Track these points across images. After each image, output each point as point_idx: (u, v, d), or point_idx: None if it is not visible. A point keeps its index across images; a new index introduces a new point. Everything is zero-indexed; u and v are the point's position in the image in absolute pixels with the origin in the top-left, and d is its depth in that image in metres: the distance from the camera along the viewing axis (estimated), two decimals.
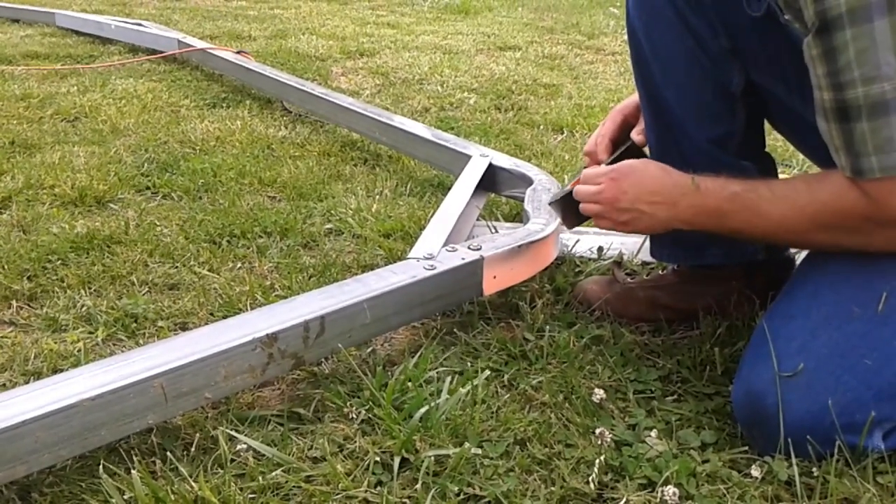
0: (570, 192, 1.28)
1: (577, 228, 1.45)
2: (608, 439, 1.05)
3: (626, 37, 1.35)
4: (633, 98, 1.37)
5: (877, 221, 0.99)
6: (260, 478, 0.98)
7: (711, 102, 1.25)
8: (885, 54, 0.89)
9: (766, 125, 1.34)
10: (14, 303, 1.43)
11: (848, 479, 0.97)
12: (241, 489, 0.96)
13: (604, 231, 1.74)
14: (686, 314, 1.38)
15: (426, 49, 4.03)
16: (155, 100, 2.82)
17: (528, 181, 1.72)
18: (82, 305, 1.41)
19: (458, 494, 0.96)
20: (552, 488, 0.98)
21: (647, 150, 1.35)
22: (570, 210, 1.30)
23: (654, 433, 1.08)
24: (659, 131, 1.31)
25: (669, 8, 1.21)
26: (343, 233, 1.76)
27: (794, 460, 0.99)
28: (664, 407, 1.15)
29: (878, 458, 0.99)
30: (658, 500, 0.95)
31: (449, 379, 1.17)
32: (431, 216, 1.54)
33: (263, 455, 1.02)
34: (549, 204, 1.42)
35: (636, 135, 1.35)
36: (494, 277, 1.34)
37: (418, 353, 1.24)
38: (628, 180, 1.18)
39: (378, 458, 1.02)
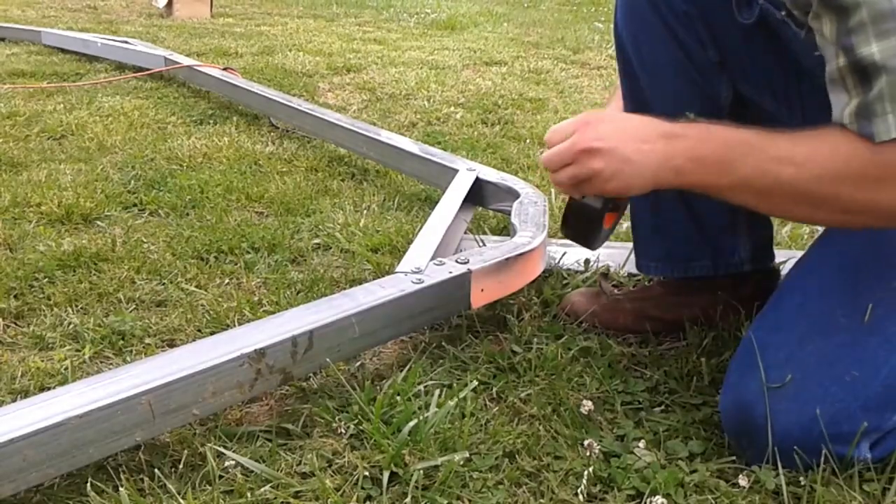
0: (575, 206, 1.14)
1: (564, 240, 1.45)
2: (596, 451, 1.05)
3: (611, 51, 1.38)
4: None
5: None
6: (248, 494, 0.97)
7: (699, 115, 1.26)
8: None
9: None
10: (1, 321, 1.42)
11: (835, 488, 0.97)
12: None
13: None
14: (673, 325, 1.39)
15: (413, 64, 4.05)
16: (142, 117, 2.82)
17: (514, 195, 1.73)
18: (69, 323, 1.40)
19: None
20: (541, 500, 0.98)
21: None
22: (585, 227, 1.17)
23: (642, 444, 1.08)
24: None
25: (658, 20, 1.23)
26: (331, 248, 1.76)
27: (781, 470, 0.99)
28: (652, 418, 1.16)
29: (864, 467, 1.00)
30: None
31: (437, 392, 1.17)
32: (419, 230, 1.55)
33: (252, 471, 1.02)
34: (564, 235, 1.24)
35: None
36: (482, 290, 1.34)
37: (407, 367, 1.24)
38: (605, 124, 1.01)
39: (367, 473, 1.02)
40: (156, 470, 1.01)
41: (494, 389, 1.22)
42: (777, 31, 1.10)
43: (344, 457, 1.05)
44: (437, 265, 1.33)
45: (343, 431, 1.10)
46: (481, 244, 1.67)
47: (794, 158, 0.92)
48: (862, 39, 0.86)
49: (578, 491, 0.99)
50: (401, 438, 1.05)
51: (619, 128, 1.01)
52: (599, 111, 1.07)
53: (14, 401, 1.15)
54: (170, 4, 5.61)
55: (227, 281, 1.59)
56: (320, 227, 1.86)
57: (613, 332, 1.40)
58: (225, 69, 3.13)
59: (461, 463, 1.03)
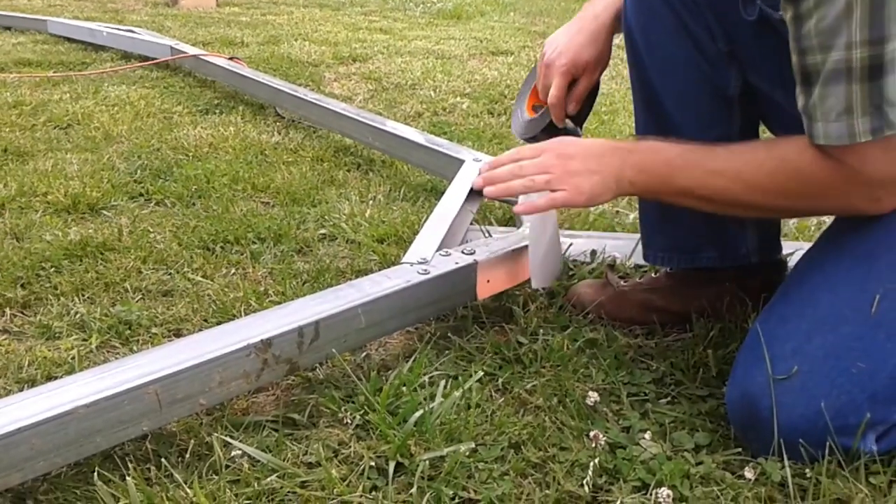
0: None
1: (570, 231, 1.45)
2: (602, 442, 1.05)
3: (617, 41, 1.36)
4: (580, 55, 1.35)
5: (835, 182, 1.00)
6: (255, 483, 0.98)
7: (709, 105, 1.26)
8: (840, 24, 0.90)
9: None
10: (7, 310, 1.42)
11: (840, 480, 0.97)
12: (235, 495, 0.96)
13: (596, 234, 1.75)
14: (679, 317, 1.38)
15: (419, 54, 4.04)
16: (148, 106, 2.82)
17: None
18: (76, 313, 1.40)
19: (453, 498, 0.96)
20: (547, 491, 0.98)
21: None
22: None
23: (647, 435, 1.08)
24: (655, 133, 1.31)
25: (667, 11, 1.22)
26: (337, 238, 1.76)
27: (787, 462, 0.99)
28: (658, 409, 1.15)
29: (870, 460, 1.00)
30: (652, 502, 0.96)
31: (443, 383, 1.17)
32: (425, 221, 1.54)
33: (258, 461, 1.02)
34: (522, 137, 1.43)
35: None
36: (488, 282, 1.34)
37: (412, 358, 1.24)
38: (572, 146, 1.17)
39: (373, 463, 1.02)
40: (162, 459, 1.02)
41: (500, 380, 1.22)
42: (778, 29, 1.10)
43: (350, 447, 1.05)
44: (443, 256, 1.33)
45: (349, 422, 1.10)
46: (487, 235, 1.67)
47: (725, 172, 1.06)
48: (810, 46, 0.94)
49: (584, 482, 0.99)
50: (406, 429, 1.05)
51: (584, 146, 1.16)
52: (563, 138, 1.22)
53: (21, 390, 1.15)
54: None
55: (233, 271, 1.59)
56: (326, 217, 1.86)
57: (619, 323, 1.40)
58: (231, 59, 3.13)
59: (467, 454, 1.03)
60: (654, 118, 1.30)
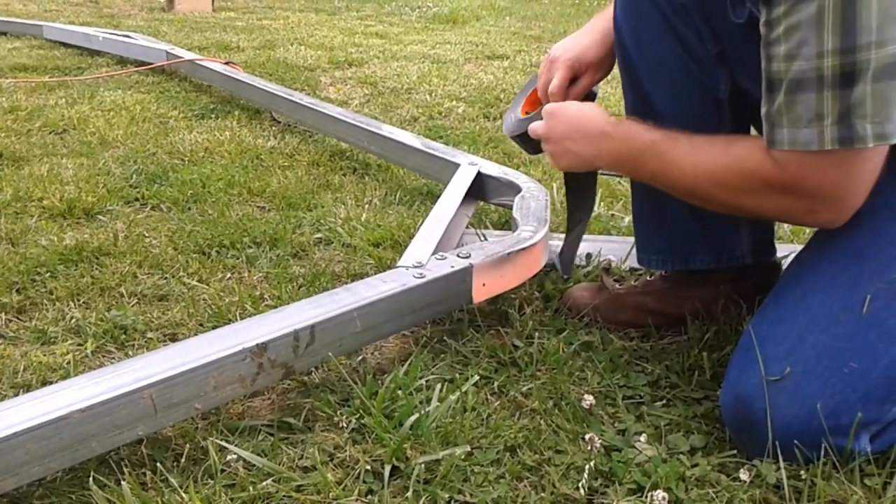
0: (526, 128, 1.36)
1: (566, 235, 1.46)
2: (598, 445, 1.06)
3: None
4: (585, 53, 1.35)
5: (774, 187, 1.02)
6: (250, 488, 0.98)
7: (699, 107, 1.26)
8: (809, 34, 0.91)
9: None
10: (3, 315, 1.42)
11: (835, 482, 0.97)
12: (231, 499, 0.96)
13: (592, 238, 1.75)
14: (674, 319, 1.39)
15: (415, 58, 4.04)
16: (143, 111, 2.82)
17: (516, 189, 1.73)
18: (71, 317, 1.40)
19: (448, 502, 0.97)
20: (542, 494, 0.98)
21: None
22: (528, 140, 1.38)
23: (643, 438, 1.08)
24: None
25: (656, 13, 1.23)
26: (332, 242, 1.77)
27: (782, 464, 0.99)
28: (653, 412, 1.16)
29: (865, 461, 1.00)
30: None
31: (439, 386, 1.17)
32: (421, 225, 1.55)
33: (254, 465, 1.02)
34: (510, 136, 1.46)
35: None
36: (484, 285, 1.34)
37: (408, 362, 1.24)
38: (561, 117, 1.26)
39: (369, 467, 1.02)
40: (158, 464, 1.02)
41: (496, 384, 1.22)
42: None
43: (345, 451, 1.05)
44: (439, 259, 1.33)
45: (345, 426, 1.10)
46: (483, 239, 1.67)
47: (681, 164, 1.11)
48: (776, 54, 0.96)
49: (579, 485, 0.99)
50: (402, 432, 1.05)
51: (569, 120, 1.26)
52: (567, 103, 1.30)
53: (16, 395, 1.15)
54: None
55: (228, 275, 1.59)
56: (322, 221, 1.86)
57: (615, 326, 1.40)
58: (226, 63, 3.13)
59: (462, 457, 1.03)
60: (644, 120, 1.30)
